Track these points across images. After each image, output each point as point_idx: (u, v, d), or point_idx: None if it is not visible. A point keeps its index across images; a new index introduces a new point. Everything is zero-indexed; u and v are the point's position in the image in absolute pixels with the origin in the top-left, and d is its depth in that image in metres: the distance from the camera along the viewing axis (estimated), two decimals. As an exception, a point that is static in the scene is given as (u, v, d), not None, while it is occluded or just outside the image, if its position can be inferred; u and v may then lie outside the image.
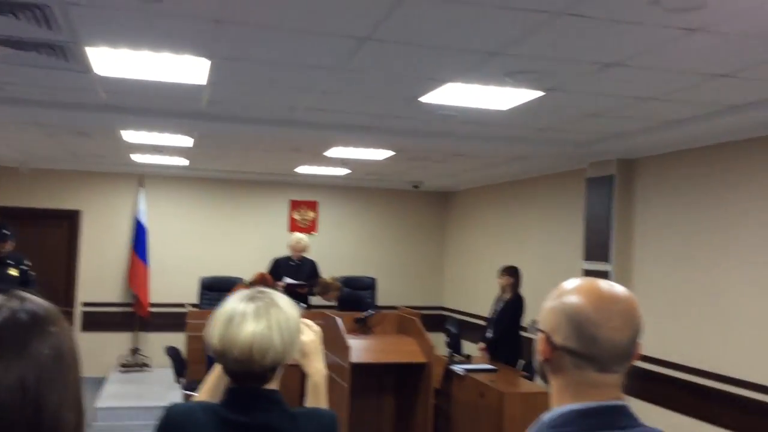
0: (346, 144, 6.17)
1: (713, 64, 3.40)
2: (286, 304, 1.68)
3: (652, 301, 5.65)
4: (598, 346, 1.20)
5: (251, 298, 1.65)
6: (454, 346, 6.14)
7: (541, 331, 1.27)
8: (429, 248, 10.18)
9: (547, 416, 1.23)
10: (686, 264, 5.31)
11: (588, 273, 5.97)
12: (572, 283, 1.28)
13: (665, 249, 5.56)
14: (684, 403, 5.17)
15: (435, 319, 8.81)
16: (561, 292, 1.27)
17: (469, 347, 7.11)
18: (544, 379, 1.29)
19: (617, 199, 5.96)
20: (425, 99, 4.31)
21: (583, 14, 2.75)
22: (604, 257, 6.00)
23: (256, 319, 1.60)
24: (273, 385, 1.65)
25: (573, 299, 1.24)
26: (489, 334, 6.52)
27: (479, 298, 8.18)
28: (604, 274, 5.86)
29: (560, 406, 1.22)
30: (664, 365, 5.41)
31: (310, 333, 1.88)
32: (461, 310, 9.29)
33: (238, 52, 3.55)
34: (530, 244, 7.70)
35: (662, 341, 5.48)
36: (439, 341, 6.49)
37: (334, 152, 6.62)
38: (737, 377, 4.72)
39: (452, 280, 9.93)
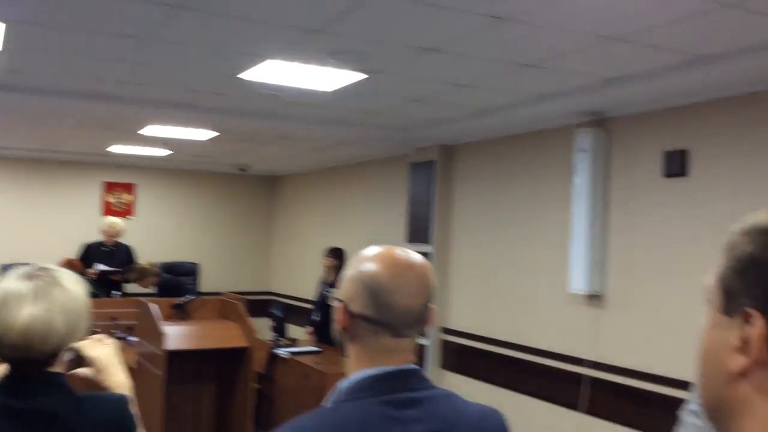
0: (163, 122, 5.86)
1: (520, 53, 3.59)
2: (70, 282, 1.53)
3: (468, 279, 5.96)
4: (392, 312, 1.21)
5: (29, 277, 1.48)
6: (279, 329, 6.09)
7: (340, 300, 1.26)
8: (256, 233, 10.03)
9: (344, 383, 1.23)
10: (497, 244, 5.65)
11: (409, 254, 6.15)
12: (370, 251, 1.29)
13: (480, 230, 5.87)
14: (498, 375, 5.50)
15: (263, 304, 8.67)
16: (358, 261, 1.28)
17: (296, 331, 7.10)
18: (343, 347, 1.29)
19: (438, 184, 6.20)
20: (245, 76, 4.18)
21: (397, -6, 2.78)
22: (425, 239, 6.21)
23: (35, 301, 1.45)
24: (57, 369, 1.51)
25: (369, 267, 1.25)
26: (315, 317, 6.54)
27: (307, 282, 8.17)
28: (425, 256, 6.06)
29: (357, 372, 1.22)
30: (480, 340, 5.73)
31: (101, 347, 1.73)
32: (289, 294, 9.26)
33: (37, 15, 3.23)
34: (357, 228, 7.81)
35: (477, 317, 5.80)
36: (266, 326, 6.41)
37: (151, 131, 6.27)
38: (542, 348, 5.09)
39: (280, 265, 9.86)
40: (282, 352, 5.53)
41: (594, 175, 4.62)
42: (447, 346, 6.09)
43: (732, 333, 0.67)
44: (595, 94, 4.22)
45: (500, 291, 5.58)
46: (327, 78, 4.17)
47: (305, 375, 5.16)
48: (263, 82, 4.29)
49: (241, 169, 9.40)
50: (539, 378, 5.09)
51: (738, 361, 0.66)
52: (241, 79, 4.27)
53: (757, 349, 0.64)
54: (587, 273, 4.59)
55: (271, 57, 3.79)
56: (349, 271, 1.28)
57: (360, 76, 4.12)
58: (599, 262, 4.61)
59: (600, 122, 4.68)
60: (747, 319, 0.65)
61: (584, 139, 4.66)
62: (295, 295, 9.06)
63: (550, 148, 5.16)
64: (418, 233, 6.33)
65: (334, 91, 4.48)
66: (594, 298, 4.66)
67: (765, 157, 3.73)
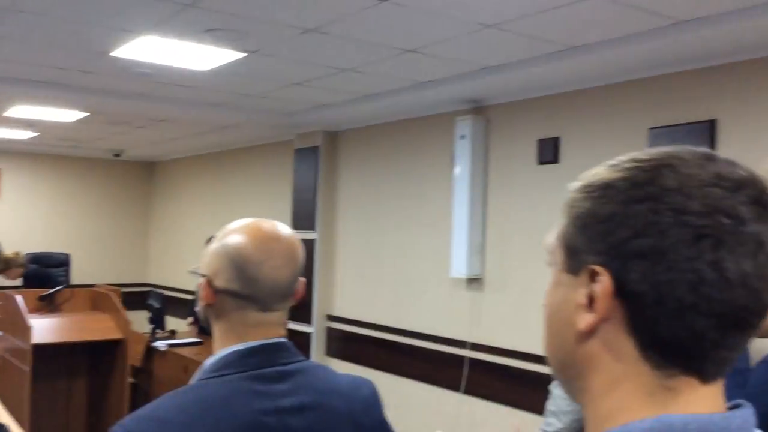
0: (27, 102, 5.46)
1: (402, 38, 3.60)
2: None
3: (353, 266, 5.96)
4: (259, 285, 1.18)
5: None
6: (157, 321, 5.87)
7: (204, 276, 1.20)
8: (132, 222, 9.60)
9: (209, 361, 1.18)
10: (381, 230, 5.68)
11: (293, 241, 6.08)
12: (235, 224, 1.25)
13: (364, 217, 5.89)
14: (383, 360, 5.53)
15: (140, 296, 8.30)
16: (223, 234, 1.23)
17: (177, 323, 6.85)
18: (208, 325, 1.23)
19: (322, 170, 6.16)
20: (117, 53, 3.96)
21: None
22: (310, 226, 6.16)
23: None
24: None
25: (234, 240, 1.21)
26: (196, 308, 6.34)
27: (188, 273, 7.91)
28: (311, 243, 6.03)
29: (223, 349, 1.18)
30: (365, 326, 5.75)
31: None
32: (169, 285, 8.92)
33: None
34: (241, 216, 7.45)
35: (362, 304, 5.81)
36: (145, 318, 6.15)
37: (15, 111, 5.84)
38: (425, 332, 5.18)
39: (159, 255, 9.49)
40: (160, 344, 5.33)
41: (473, 161, 4.73)
42: (331, 334, 6.08)
43: (578, 291, 0.65)
44: (474, 81, 4.31)
45: (384, 277, 5.62)
46: (204, 56, 4.02)
47: (184, 367, 4.99)
48: (136, 59, 4.08)
49: (116, 155, 8.96)
50: (422, 362, 5.18)
51: (586, 319, 0.64)
52: (112, 57, 4.04)
53: (603, 305, 0.63)
54: (467, 257, 4.70)
55: (145, 33, 3.60)
56: (213, 245, 1.22)
57: (238, 55, 4.00)
58: (479, 246, 4.73)
59: (479, 110, 4.80)
60: (592, 276, 0.64)
61: (464, 127, 4.76)
62: (175, 286, 8.74)
63: (432, 134, 5.24)
64: (303, 220, 6.26)
65: (212, 70, 4.33)
66: (474, 282, 4.78)
67: (627, 143, 3.95)
